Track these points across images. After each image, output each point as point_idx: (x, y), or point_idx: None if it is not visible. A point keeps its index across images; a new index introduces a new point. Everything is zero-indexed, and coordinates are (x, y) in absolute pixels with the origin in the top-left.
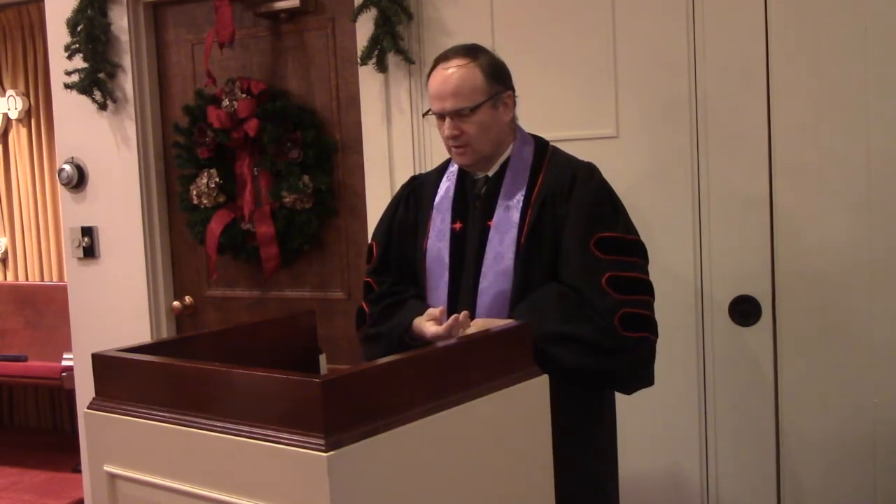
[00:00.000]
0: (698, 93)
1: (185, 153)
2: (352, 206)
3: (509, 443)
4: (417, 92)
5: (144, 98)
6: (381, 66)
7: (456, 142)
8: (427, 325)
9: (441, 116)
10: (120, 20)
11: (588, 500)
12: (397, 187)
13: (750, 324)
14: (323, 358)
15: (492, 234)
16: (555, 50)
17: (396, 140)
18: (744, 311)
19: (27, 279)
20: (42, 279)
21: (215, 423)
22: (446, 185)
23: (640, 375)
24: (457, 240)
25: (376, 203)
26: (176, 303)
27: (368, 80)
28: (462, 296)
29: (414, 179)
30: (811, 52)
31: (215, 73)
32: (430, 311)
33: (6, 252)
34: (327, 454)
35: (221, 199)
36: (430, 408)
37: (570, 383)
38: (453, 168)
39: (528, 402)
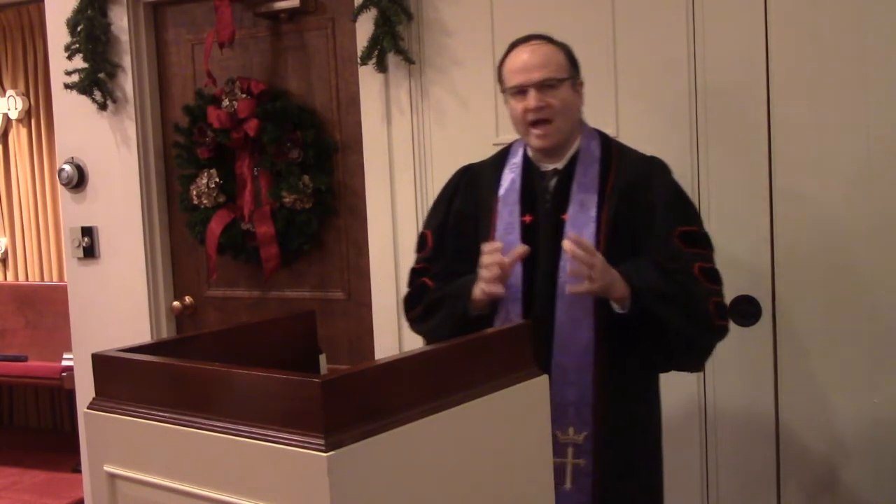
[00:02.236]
0: (698, 91)
1: (185, 153)
2: (352, 206)
3: (509, 443)
4: (417, 92)
5: (144, 98)
6: (381, 66)
7: (540, 114)
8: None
9: (521, 92)
10: (120, 20)
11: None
12: (397, 187)
13: (750, 324)
14: (323, 358)
15: (568, 228)
16: None
17: (396, 140)
18: (744, 311)
19: (27, 279)
20: (42, 279)
21: (215, 423)
22: (511, 177)
23: (705, 359)
24: (528, 232)
25: (376, 203)
26: (176, 303)
27: (368, 80)
28: (537, 289)
29: (468, 169)
30: (811, 51)
31: (215, 73)
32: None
33: (6, 252)
34: (327, 454)
35: (221, 199)
36: (430, 408)
37: (647, 361)
38: (516, 159)
39: (528, 402)
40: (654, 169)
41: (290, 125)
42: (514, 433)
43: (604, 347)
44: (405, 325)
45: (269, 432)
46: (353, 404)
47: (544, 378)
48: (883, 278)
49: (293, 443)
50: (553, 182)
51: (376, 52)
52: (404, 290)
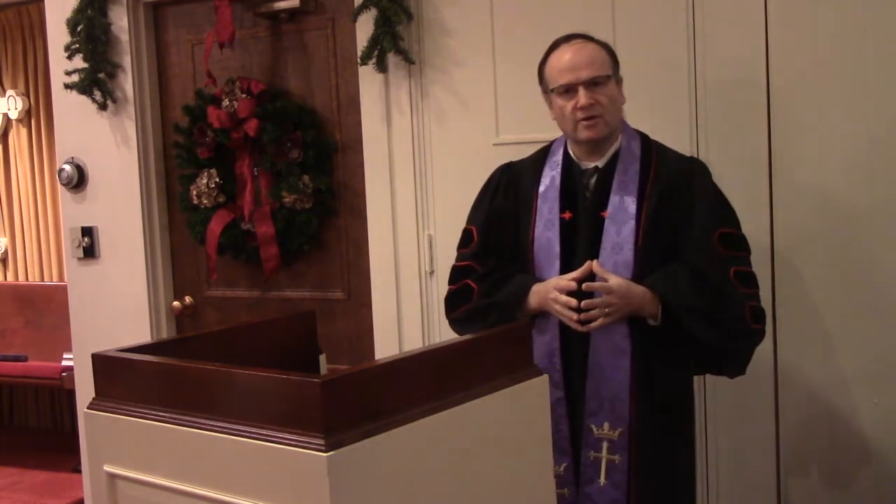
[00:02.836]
0: (698, 92)
1: (185, 153)
2: (352, 206)
3: (509, 443)
4: (417, 92)
5: (144, 98)
6: (381, 67)
7: (590, 111)
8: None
9: (569, 90)
10: (120, 20)
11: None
12: (397, 187)
13: None
14: (323, 358)
15: (607, 225)
16: None
17: (396, 140)
18: None
19: (27, 279)
20: (42, 279)
21: (215, 423)
22: (551, 175)
23: (746, 364)
24: (567, 229)
25: (376, 203)
26: (176, 303)
27: (368, 80)
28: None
29: (509, 166)
30: (811, 50)
31: (215, 73)
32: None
33: (6, 252)
34: (327, 454)
35: (221, 199)
36: (430, 408)
37: (683, 363)
38: (557, 157)
39: (528, 402)
40: (695, 169)
41: (290, 125)
42: (514, 433)
43: (640, 348)
44: (405, 325)
45: (269, 432)
46: (353, 404)
47: (544, 378)
48: (883, 278)
49: (293, 443)
50: (593, 180)
51: (376, 52)
52: (404, 289)
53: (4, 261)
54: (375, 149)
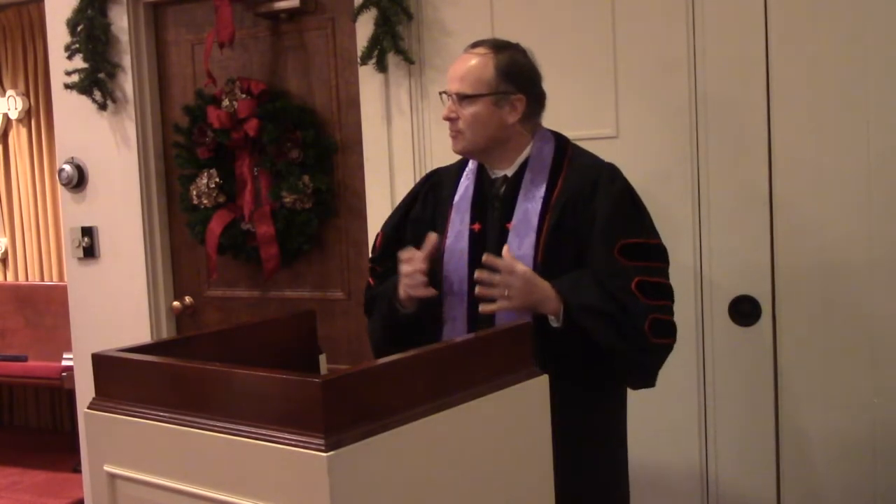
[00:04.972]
0: (698, 93)
1: (185, 153)
2: (352, 206)
3: (509, 443)
4: (417, 92)
5: (144, 98)
6: (381, 66)
7: (451, 125)
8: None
9: (449, 97)
10: (120, 20)
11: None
12: (397, 187)
13: (750, 324)
14: (323, 358)
15: (511, 237)
16: (555, 50)
17: (396, 140)
18: (744, 311)
19: (27, 279)
20: (42, 279)
21: (215, 423)
22: (465, 184)
23: (650, 377)
24: (476, 241)
25: (376, 203)
26: (176, 303)
27: (368, 80)
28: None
29: (433, 174)
30: (811, 52)
31: (215, 73)
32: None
33: (6, 252)
34: (327, 454)
35: (221, 199)
36: (431, 408)
37: (585, 366)
38: (472, 166)
39: (528, 402)
40: (602, 177)
41: (290, 125)
42: (514, 433)
43: (542, 356)
44: None
45: (269, 432)
46: (353, 404)
47: (544, 378)
48: (883, 278)
49: (293, 443)
50: (503, 189)
51: (376, 52)
52: None
53: (4, 261)
54: (375, 149)
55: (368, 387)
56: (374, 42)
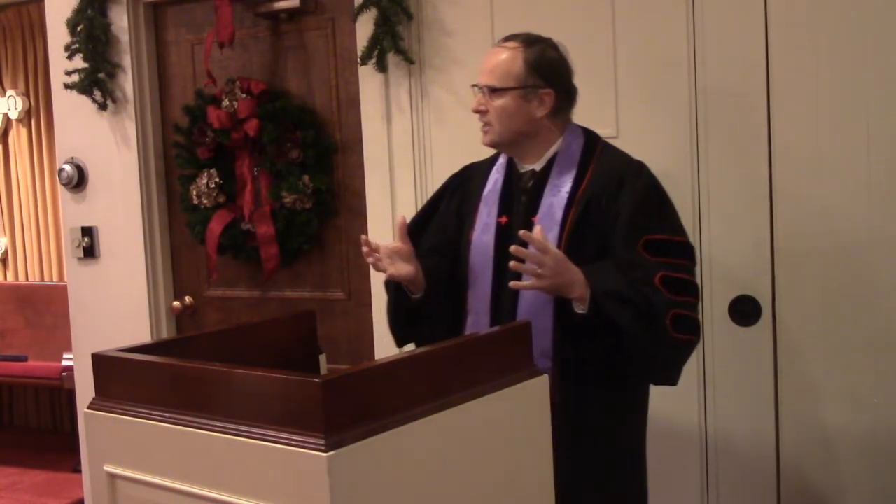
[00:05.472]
0: (698, 92)
1: (185, 153)
2: (352, 206)
3: (509, 443)
4: (417, 92)
5: (144, 98)
6: (381, 66)
7: (481, 117)
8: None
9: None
10: (120, 20)
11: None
12: (397, 187)
13: (750, 324)
14: (323, 358)
15: (535, 232)
16: None
17: (396, 140)
18: (744, 311)
19: (27, 279)
20: (42, 279)
21: (215, 423)
22: (495, 178)
23: (671, 373)
24: (502, 234)
25: (376, 203)
26: (176, 303)
27: (368, 80)
28: (505, 290)
29: (466, 169)
30: (811, 51)
31: (215, 73)
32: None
33: (6, 252)
34: (327, 454)
35: (221, 199)
36: (431, 408)
37: (607, 357)
38: (503, 160)
39: (528, 402)
40: (628, 173)
41: (290, 125)
42: (514, 433)
43: (564, 349)
44: None
45: (269, 432)
46: (353, 404)
47: (544, 378)
48: (883, 278)
49: (293, 443)
50: (530, 183)
51: (376, 52)
52: None
53: (4, 261)
54: (375, 149)
55: (368, 387)
56: (374, 42)
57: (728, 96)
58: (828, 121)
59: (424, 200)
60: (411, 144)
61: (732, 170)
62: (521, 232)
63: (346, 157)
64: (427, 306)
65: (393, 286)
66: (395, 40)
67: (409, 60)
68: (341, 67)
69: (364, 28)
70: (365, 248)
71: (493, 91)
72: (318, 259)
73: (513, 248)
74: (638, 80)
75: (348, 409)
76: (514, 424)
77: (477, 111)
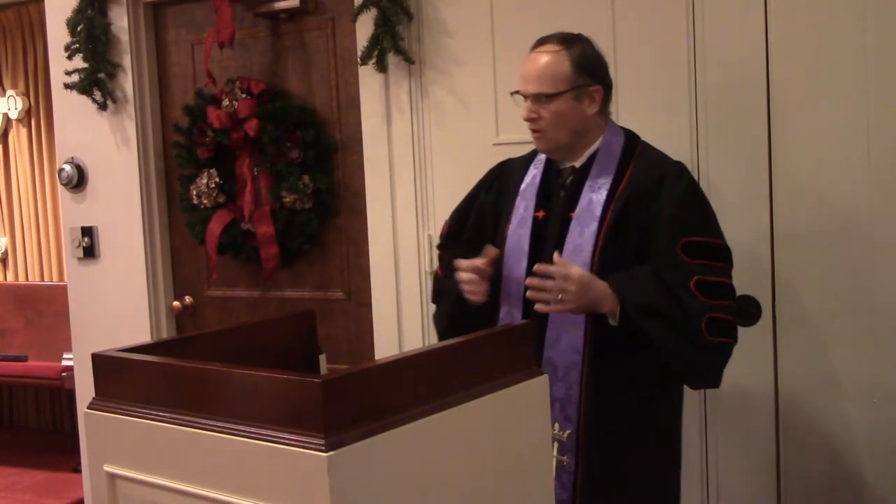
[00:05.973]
0: (698, 92)
1: (185, 153)
2: (352, 206)
3: (509, 443)
4: (417, 92)
5: (144, 98)
6: (381, 66)
7: (532, 125)
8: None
9: (526, 98)
10: (120, 20)
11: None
12: (397, 187)
13: (750, 324)
14: (323, 358)
15: (573, 226)
16: None
17: (396, 140)
18: (744, 311)
19: (27, 279)
20: (42, 279)
21: (215, 423)
22: (533, 173)
23: (710, 377)
24: (538, 228)
25: (376, 203)
26: (176, 303)
27: (368, 80)
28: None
29: (503, 164)
30: (811, 50)
31: (215, 73)
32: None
33: (6, 252)
34: (327, 454)
35: (221, 199)
36: (431, 408)
37: (641, 365)
38: (541, 156)
39: (529, 402)
40: (668, 174)
41: (290, 125)
42: (514, 433)
43: (597, 349)
44: (405, 325)
45: (269, 432)
46: (353, 404)
47: (544, 378)
48: (883, 278)
49: (293, 443)
50: (569, 180)
51: (376, 52)
52: (404, 289)
53: (4, 261)
54: (375, 149)
55: (368, 387)
56: (374, 42)
57: (728, 95)
58: (828, 119)
59: (425, 200)
60: (411, 144)
61: (732, 170)
62: (537, 267)
63: (346, 157)
64: (488, 307)
65: (454, 294)
66: (395, 40)
67: (409, 60)
68: (341, 67)
69: (364, 28)
70: (467, 276)
71: (545, 97)
72: (318, 259)
73: (529, 280)
74: (638, 80)
75: (348, 409)
76: (514, 424)
77: (529, 119)
